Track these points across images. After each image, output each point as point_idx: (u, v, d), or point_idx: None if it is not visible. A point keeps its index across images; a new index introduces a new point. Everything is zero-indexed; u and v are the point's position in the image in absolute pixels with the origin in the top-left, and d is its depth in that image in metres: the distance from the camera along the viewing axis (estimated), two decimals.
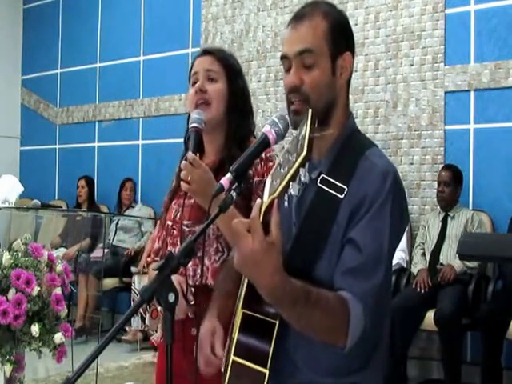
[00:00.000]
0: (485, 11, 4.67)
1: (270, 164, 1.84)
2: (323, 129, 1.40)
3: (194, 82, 1.93)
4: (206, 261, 1.83)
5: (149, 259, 2.03)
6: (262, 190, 1.80)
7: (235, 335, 1.39)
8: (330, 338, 1.35)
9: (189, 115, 1.96)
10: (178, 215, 1.91)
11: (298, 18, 1.45)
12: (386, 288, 1.42)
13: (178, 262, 1.25)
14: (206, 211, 1.75)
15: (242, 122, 1.94)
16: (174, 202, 1.95)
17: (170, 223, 1.93)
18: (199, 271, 1.83)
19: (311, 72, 1.41)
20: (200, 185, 1.71)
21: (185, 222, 1.87)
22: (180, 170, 1.91)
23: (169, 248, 1.92)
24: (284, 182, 1.19)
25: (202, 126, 1.82)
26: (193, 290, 1.80)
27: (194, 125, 1.82)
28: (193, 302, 1.79)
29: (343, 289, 1.34)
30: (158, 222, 2.06)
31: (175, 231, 1.91)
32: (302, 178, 1.19)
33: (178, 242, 1.88)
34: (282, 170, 1.23)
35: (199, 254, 1.69)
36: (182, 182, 1.74)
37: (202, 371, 1.49)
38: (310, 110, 1.24)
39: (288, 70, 1.45)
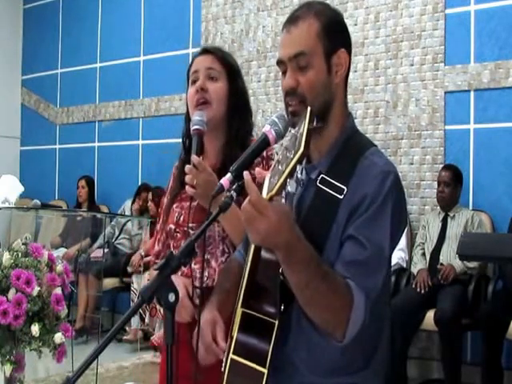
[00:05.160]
0: (485, 11, 4.67)
1: (272, 163, 1.83)
2: (321, 126, 1.40)
3: (194, 81, 1.91)
4: (213, 262, 1.82)
5: (150, 261, 2.02)
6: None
7: (234, 334, 1.39)
8: (332, 319, 1.32)
9: (186, 114, 1.95)
10: (182, 218, 1.89)
11: (291, 20, 1.46)
12: (386, 288, 1.42)
13: (179, 261, 1.25)
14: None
15: (242, 123, 1.92)
16: (175, 205, 1.93)
17: (172, 227, 1.91)
18: (206, 273, 1.82)
19: (306, 73, 1.42)
20: (205, 188, 1.69)
21: (189, 225, 1.84)
22: (180, 171, 1.90)
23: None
24: (282, 179, 1.19)
25: (204, 128, 1.80)
26: (198, 291, 1.79)
27: (196, 127, 1.80)
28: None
29: (346, 277, 1.33)
30: (158, 224, 2.04)
31: (179, 234, 1.89)
32: (299, 175, 1.18)
33: None
34: (280, 167, 1.23)
35: (205, 255, 1.68)
36: (187, 186, 1.73)
37: (202, 360, 1.45)
38: (309, 108, 1.24)
39: (284, 73, 1.46)
